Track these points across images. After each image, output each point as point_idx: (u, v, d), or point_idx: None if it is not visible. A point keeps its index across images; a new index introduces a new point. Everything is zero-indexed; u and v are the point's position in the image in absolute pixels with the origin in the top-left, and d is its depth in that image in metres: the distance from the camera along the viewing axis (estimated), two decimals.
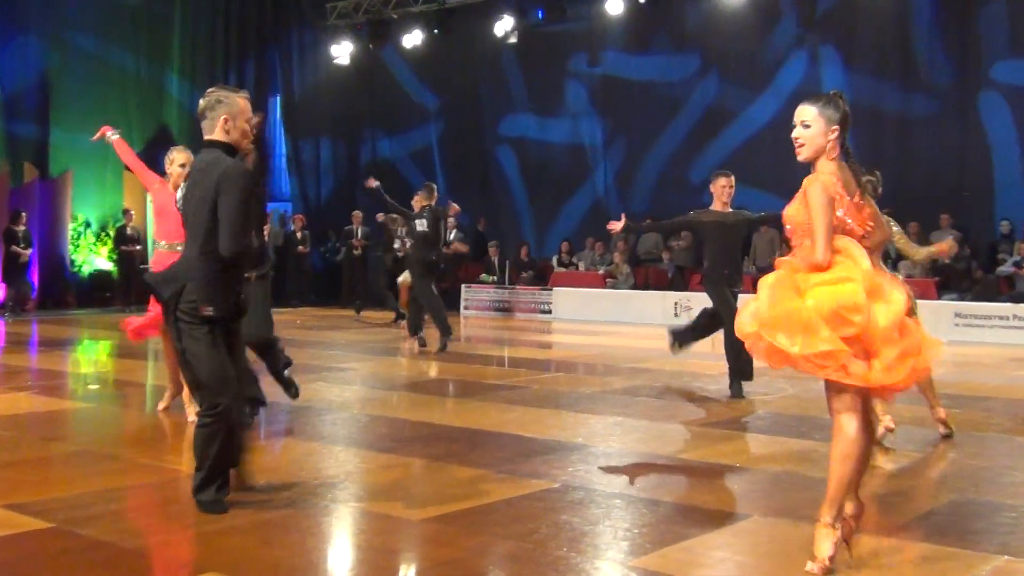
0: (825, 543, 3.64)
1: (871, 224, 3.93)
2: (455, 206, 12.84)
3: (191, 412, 6.34)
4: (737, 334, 3.76)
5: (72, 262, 18.76)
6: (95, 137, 7.10)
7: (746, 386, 8.11)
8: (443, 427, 6.78)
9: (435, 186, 12.10)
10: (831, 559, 3.63)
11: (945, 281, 14.95)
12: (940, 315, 13.31)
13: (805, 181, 3.76)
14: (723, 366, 8.27)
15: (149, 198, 17.34)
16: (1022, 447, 6.38)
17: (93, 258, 19.09)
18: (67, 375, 9.98)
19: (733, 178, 8.14)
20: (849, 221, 3.73)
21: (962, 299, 14.52)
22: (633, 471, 5.50)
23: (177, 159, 6.44)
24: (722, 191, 8.07)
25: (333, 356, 11.03)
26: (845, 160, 3.80)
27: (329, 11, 21.18)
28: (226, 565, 3.79)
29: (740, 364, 8.01)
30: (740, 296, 8.12)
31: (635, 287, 17.57)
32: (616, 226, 8.16)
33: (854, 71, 16.52)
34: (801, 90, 16.14)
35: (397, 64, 21.52)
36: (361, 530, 4.40)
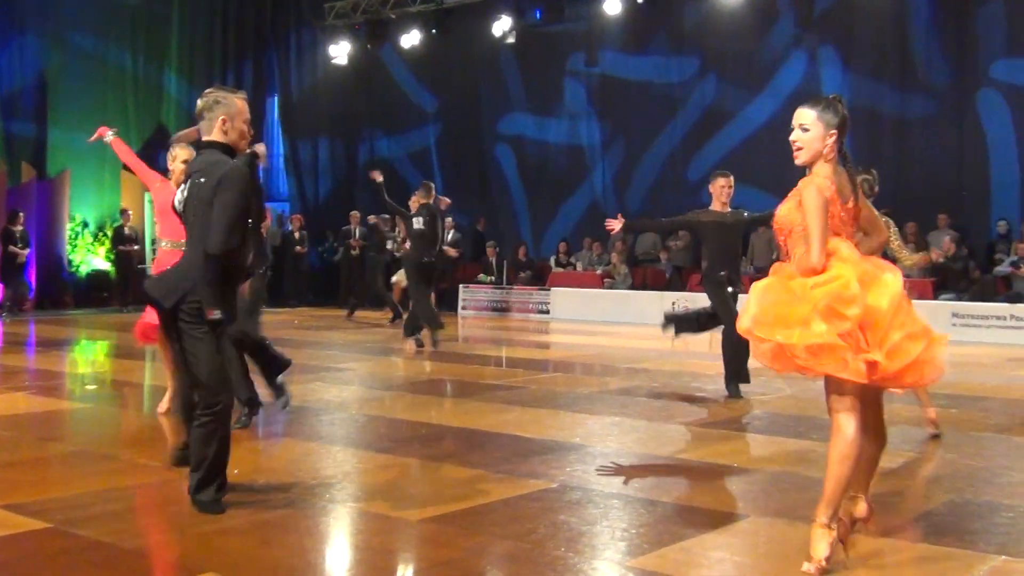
0: (821, 544, 3.65)
1: (867, 228, 3.95)
2: (445, 199, 12.78)
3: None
4: (745, 336, 3.76)
5: (70, 262, 18.76)
6: (92, 139, 7.09)
7: (744, 386, 8.11)
8: (441, 427, 6.79)
9: (433, 185, 12.10)
10: (827, 560, 3.64)
11: (942, 281, 14.97)
12: (937, 315, 13.30)
13: (800, 183, 3.77)
14: (721, 366, 8.26)
15: (149, 197, 17.47)
16: (1020, 447, 6.39)
17: (91, 258, 19.09)
18: (65, 375, 9.97)
19: (732, 178, 8.14)
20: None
21: (959, 299, 14.54)
22: (631, 471, 5.50)
23: (180, 155, 6.41)
24: (721, 191, 8.07)
25: (331, 356, 11.03)
26: (842, 165, 3.81)
27: (327, 11, 21.18)
28: (224, 565, 3.79)
29: (737, 365, 8.02)
30: (740, 297, 8.15)
31: (633, 287, 17.58)
32: (615, 225, 8.17)
33: (852, 71, 16.54)
34: (799, 90, 16.18)
35: (395, 64, 21.52)
36: (359, 530, 4.40)
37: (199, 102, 4.52)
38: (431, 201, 11.68)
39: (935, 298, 14.37)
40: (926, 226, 15.06)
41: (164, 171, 6.72)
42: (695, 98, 18.25)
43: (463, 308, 18.69)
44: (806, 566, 3.65)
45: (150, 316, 6.70)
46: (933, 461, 5.91)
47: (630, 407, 7.66)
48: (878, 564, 3.86)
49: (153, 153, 16.21)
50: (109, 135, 6.99)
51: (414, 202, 11.76)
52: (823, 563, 3.63)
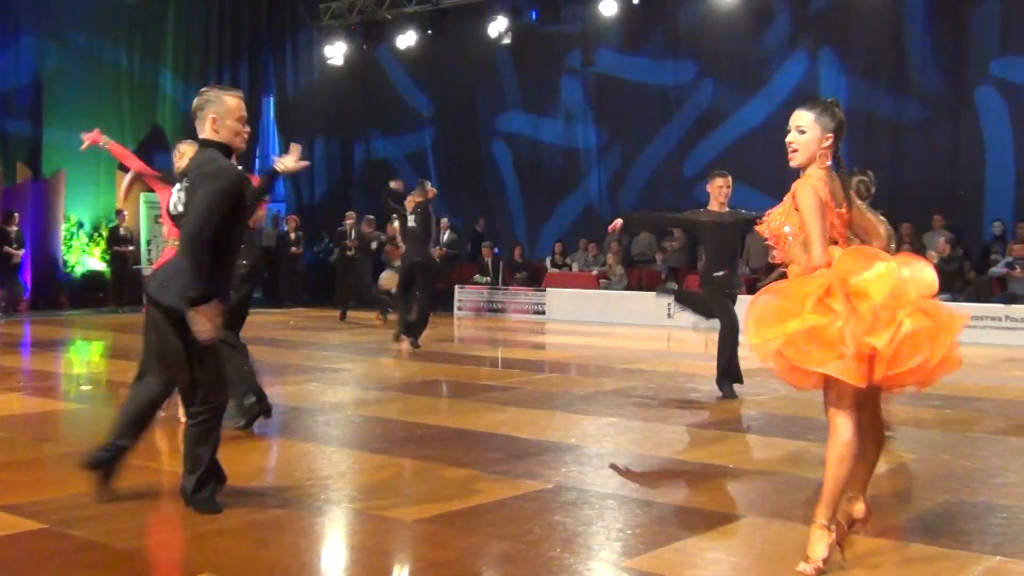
0: (820, 544, 3.65)
1: (862, 234, 3.95)
2: (432, 189, 12.64)
3: (182, 413, 6.30)
4: (763, 361, 3.75)
5: (65, 263, 18.72)
6: (84, 146, 6.95)
7: (739, 387, 8.12)
8: (436, 428, 6.78)
9: (427, 183, 12.08)
10: (824, 561, 3.64)
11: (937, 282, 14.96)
12: None
13: (794, 185, 3.78)
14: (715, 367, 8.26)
15: (145, 197, 17.44)
16: (1014, 448, 6.40)
17: (86, 259, 19.05)
18: (60, 376, 9.96)
19: (730, 178, 8.12)
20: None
21: (955, 300, 14.53)
22: (626, 472, 5.51)
23: (188, 152, 6.35)
24: (719, 191, 8.06)
25: (326, 357, 11.03)
26: (836, 170, 3.81)
27: (323, 11, 21.17)
28: (220, 566, 3.78)
29: (731, 367, 8.03)
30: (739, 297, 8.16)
31: (628, 288, 17.59)
32: (616, 224, 8.16)
33: (847, 72, 16.55)
34: (795, 90, 16.21)
35: (391, 65, 21.51)
36: (355, 531, 4.40)
37: (194, 101, 4.52)
38: (426, 199, 11.69)
39: None
40: (921, 227, 15.07)
41: (164, 170, 6.68)
42: (690, 98, 18.25)
43: (459, 309, 18.68)
44: (802, 566, 3.65)
45: None
46: (928, 462, 5.91)
47: (626, 408, 7.66)
48: (873, 564, 3.86)
49: (148, 153, 16.19)
50: (104, 142, 6.90)
51: (410, 201, 11.77)
52: (820, 564, 3.63)
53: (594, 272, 18.15)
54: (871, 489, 4.07)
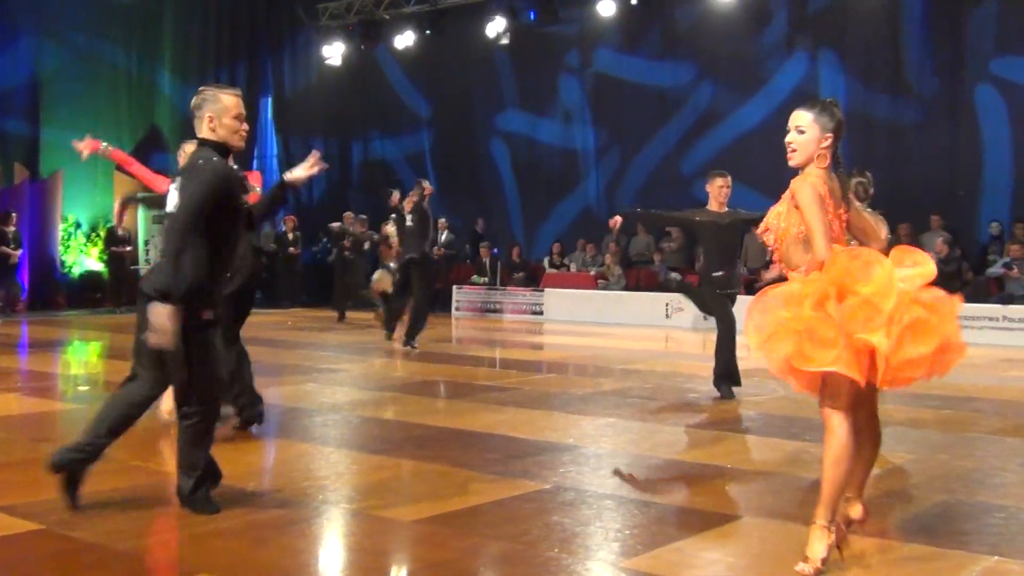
0: (819, 544, 3.64)
1: (861, 236, 3.94)
2: (428, 186, 12.58)
3: (165, 411, 6.26)
4: (773, 370, 3.74)
5: (62, 263, 18.71)
6: (84, 156, 6.79)
7: (736, 388, 8.11)
8: (434, 428, 6.78)
9: (424, 181, 12.09)
10: (823, 561, 3.64)
11: (935, 282, 14.97)
12: None
13: (792, 183, 3.77)
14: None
15: (141, 197, 17.40)
16: (1012, 448, 6.40)
17: (83, 259, 19.04)
18: (57, 376, 9.95)
19: (730, 178, 8.12)
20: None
21: None
22: (624, 472, 5.50)
23: (189, 151, 6.34)
24: (719, 192, 8.06)
25: (324, 357, 11.02)
26: (835, 170, 3.81)
27: (321, 12, 21.16)
28: (218, 566, 3.78)
29: (730, 368, 8.02)
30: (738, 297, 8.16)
31: (626, 288, 17.59)
32: (616, 220, 8.17)
33: (845, 72, 16.57)
34: (793, 91, 16.22)
35: (389, 65, 21.51)
36: (352, 531, 4.40)
37: (192, 100, 4.51)
38: (422, 197, 11.70)
39: None
40: (919, 228, 15.08)
41: (165, 171, 6.65)
42: (689, 99, 18.26)
43: (456, 309, 18.69)
44: (801, 566, 3.65)
45: None
46: (925, 462, 5.91)
47: (624, 408, 7.66)
48: (871, 564, 3.86)
49: (146, 154, 16.19)
50: (103, 147, 6.81)
51: (408, 201, 11.77)
52: (819, 564, 3.63)
53: (592, 272, 18.15)
54: (869, 489, 4.07)
